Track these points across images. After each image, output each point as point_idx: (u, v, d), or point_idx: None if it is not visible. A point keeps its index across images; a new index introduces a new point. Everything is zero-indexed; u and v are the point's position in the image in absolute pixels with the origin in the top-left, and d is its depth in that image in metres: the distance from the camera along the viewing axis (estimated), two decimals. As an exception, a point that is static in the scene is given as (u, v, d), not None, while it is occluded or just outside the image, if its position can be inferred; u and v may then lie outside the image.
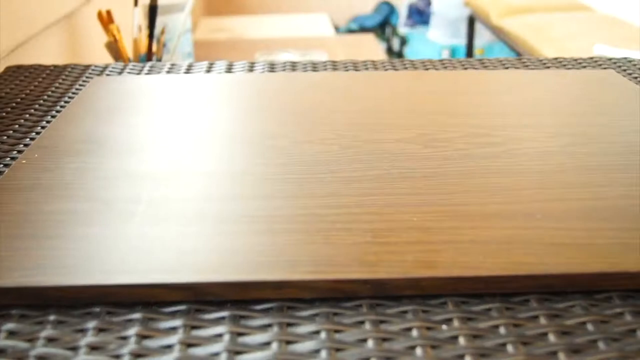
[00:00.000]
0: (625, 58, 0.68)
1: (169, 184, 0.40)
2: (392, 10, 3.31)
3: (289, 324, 0.29)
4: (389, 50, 3.22)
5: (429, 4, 3.10)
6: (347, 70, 0.64)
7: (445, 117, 0.50)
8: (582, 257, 0.32)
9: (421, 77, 0.60)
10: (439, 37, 3.00)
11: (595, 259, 0.32)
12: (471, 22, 2.67)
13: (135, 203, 0.38)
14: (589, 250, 0.33)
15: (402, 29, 3.24)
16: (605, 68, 0.65)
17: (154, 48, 1.22)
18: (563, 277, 0.31)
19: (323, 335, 0.29)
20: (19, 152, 0.46)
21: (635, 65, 0.65)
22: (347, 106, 0.52)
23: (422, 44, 3.09)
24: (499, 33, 2.28)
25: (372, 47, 1.78)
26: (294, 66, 0.66)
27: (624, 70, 0.64)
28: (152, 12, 1.21)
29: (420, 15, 3.21)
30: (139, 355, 0.27)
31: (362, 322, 0.29)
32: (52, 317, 0.30)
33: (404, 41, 3.19)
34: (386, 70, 0.64)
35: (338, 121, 0.49)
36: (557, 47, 1.87)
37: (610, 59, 0.68)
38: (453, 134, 0.47)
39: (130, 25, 1.22)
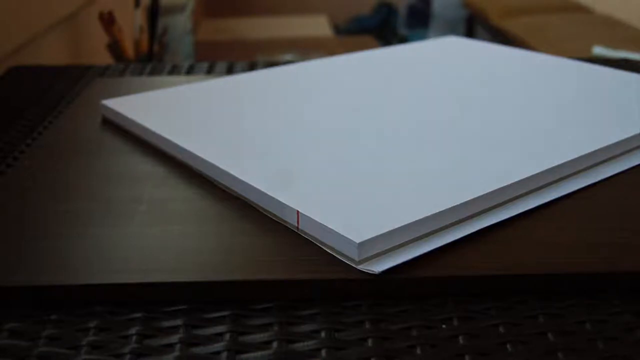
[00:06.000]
0: (624, 59, 0.69)
1: (169, 183, 0.40)
2: (391, 11, 3.31)
3: (289, 323, 0.29)
4: (389, 52, 3.22)
5: (428, 5, 3.10)
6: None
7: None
8: (581, 257, 0.33)
9: None
10: (438, 38, 3.01)
11: (595, 259, 0.32)
12: (470, 23, 2.67)
13: (136, 203, 0.38)
14: (589, 250, 0.33)
15: (402, 30, 3.24)
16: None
17: (155, 49, 1.22)
18: (562, 277, 0.32)
19: (323, 334, 0.29)
20: (21, 152, 0.46)
21: (633, 66, 0.65)
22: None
23: (421, 45, 3.09)
24: (497, 34, 2.28)
25: (371, 49, 1.78)
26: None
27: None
28: (153, 13, 1.21)
29: (419, 17, 3.21)
30: (140, 355, 0.27)
31: (362, 322, 0.30)
32: (53, 317, 0.30)
33: (403, 42, 3.19)
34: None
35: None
36: (556, 48, 1.87)
37: (608, 60, 0.68)
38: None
39: (132, 26, 1.22)
